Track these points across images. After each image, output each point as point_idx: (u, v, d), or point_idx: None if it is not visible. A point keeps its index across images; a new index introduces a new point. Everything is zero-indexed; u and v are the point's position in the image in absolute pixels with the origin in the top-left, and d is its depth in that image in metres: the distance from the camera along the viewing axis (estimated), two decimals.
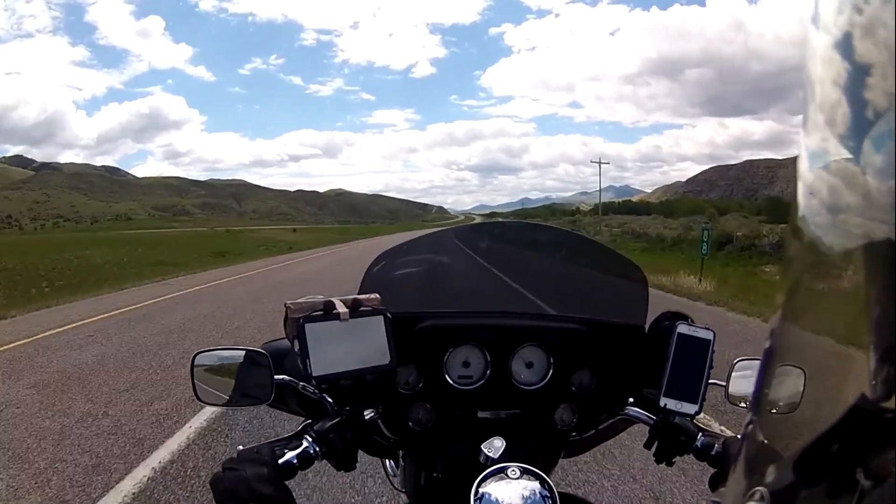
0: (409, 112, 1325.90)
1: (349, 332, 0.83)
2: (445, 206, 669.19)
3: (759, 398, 0.36)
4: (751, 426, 0.35)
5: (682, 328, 0.88)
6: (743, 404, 0.90)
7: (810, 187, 0.30)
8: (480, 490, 0.69)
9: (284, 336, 0.87)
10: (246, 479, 0.68)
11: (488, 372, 0.92)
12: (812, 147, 0.30)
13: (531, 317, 1.03)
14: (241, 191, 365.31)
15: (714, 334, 0.89)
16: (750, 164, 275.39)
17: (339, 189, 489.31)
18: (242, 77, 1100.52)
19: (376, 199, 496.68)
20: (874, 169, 0.26)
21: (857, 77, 0.27)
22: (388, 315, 0.85)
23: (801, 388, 0.32)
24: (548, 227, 1.88)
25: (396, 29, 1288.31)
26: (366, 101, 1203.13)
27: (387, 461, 1.17)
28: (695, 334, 0.88)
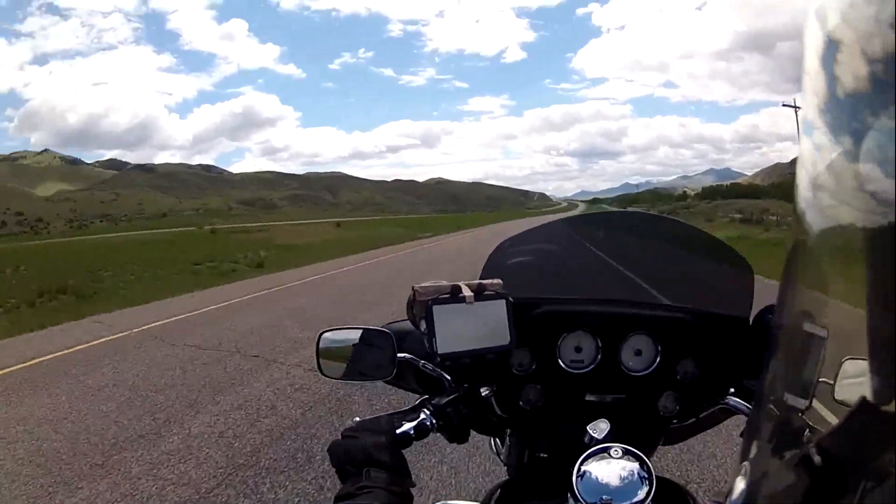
0: (504, 98, 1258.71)
1: (473, 314, 0.88)
2: (547, 193, 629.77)
3: (763, 388, 0.36)
4: (755, 406, 0.35)
5: None
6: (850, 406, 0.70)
7: (813, 185, 0.30)
8: (583, 468, 0.72)
9: (405, 318, 0.94)
10: (364, 446, 0.72)
11: (599, 357, 0.95)
12: (813, 145, 0.30)
13: (641, 305, 1.05)
14: (335, 182, 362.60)
15: (827, 331, 0.86)
16: None
17: (438, 178, 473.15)
18: (333, 72, 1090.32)
19: (476, 187, 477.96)
20: (875, 160, 0.25)
21: (860, 74, 0.26)
22: (510, 299, 0.90)
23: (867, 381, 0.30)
24: (656, 216, 1.92)
25: (482, 15, 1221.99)
26: (459, 88, 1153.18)
27: (493, 439, 1.22)
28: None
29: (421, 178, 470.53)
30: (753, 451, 0.34)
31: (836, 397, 0.37)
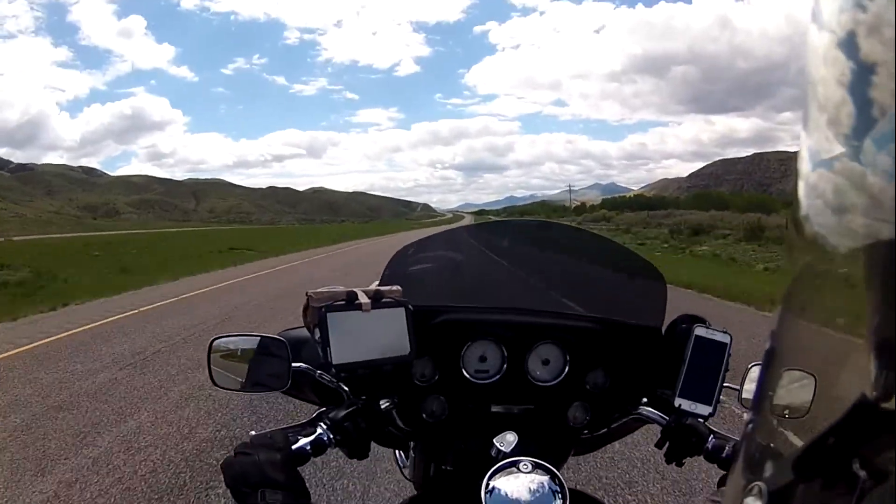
0: (393, 111, 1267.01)
1: (370, 322, 0.85)
2: (431, 205, 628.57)
3: (760, 399, 0.36)
4: (751, 426, 0.35)
5: (700, 331, 0.89)
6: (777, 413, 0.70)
7: (812, 187, 0.30)
8: (491, 483, 0.71)
9: (302, 325, 0.89)
10: (258, 464, 0.70)
11: (504, 367, 0.94)
12: (813, 147, 0.30)
13: (549, 314, 1.03)
14: (204, 188, 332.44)
15: (731, 338, 0.91)
16: (759, 158, 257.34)
17: (318, 187, 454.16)
18: (226, 77, 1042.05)
19: (356, 196, 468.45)
20: (877, 168, 0.25)
21: (861, 76, 0.26)
22: (410, 307, 0.87)
23: (811, 395, 0.32)
24: (563, 225, 1.85)
25: (380, 27, 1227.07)
26: (350, 100, 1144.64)
27: (397, 452, 1.19)
28: (712, 337, 0.90)
29: (301, 188, 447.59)
30: (767, 470, 0.32)
31: (742, 402, 0.32)
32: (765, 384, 0.35)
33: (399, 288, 0.90)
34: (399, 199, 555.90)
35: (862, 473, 0.27)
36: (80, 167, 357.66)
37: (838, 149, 0.28)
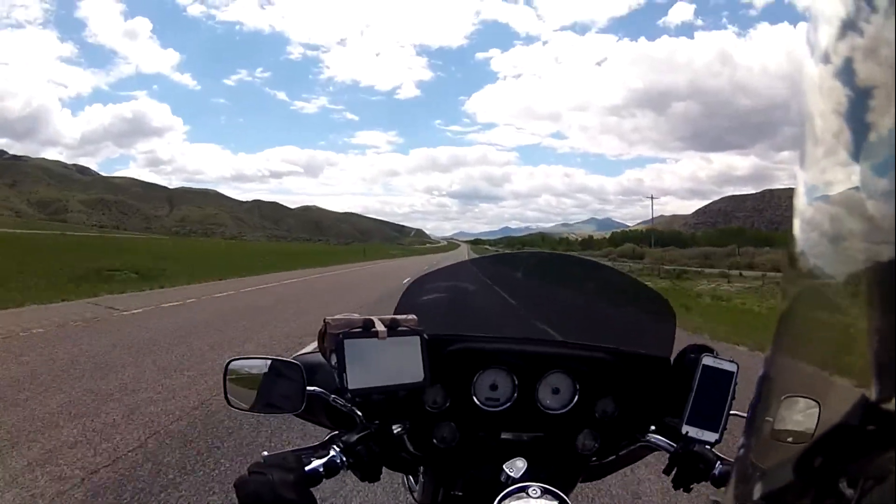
0: (392, 135, 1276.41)
1: (386, 349, 0.88)
2: (426, 231, 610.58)
3: (752, 423, 0.36)
4: (743, 449, 0.35)
5: (707, 360, 0.92)
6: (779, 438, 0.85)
7: (809, 221, 0.30)
8: None
9: (316, 350, 0.94)
10: (272, 484, 0.71)
11: (515, 395, 0.96)
12: (810, 181, 0.30)
13: (559, 344, 1.07)
14: (179, 195, 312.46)
15: (738, 367, 0.94)
16: (770, 195, 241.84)
17: (308, 204, 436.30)
18: (228, 88, 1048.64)
19: (347, 217, 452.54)
20: (877, 192, 0.26)
21: (860, 101, 0.27)
22: (424, 336, 0.90)
23: (815, 421, 0.32)
24: (576, 258, 2.03)
25: (383, 48, 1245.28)
26: (350, 120, 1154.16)
27: (407, 476, 1.24)
28: (719, 366, 0.93)
29: (293, 205, 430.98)
30: (757, 492, 0.33)
31: (774, 434, 0.36)
32: (758, 409, 0.35)
33: (414, 317, 0.93)
34: (392, 223, 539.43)
35: (862, 474, 0.27)
36: (75, 165, 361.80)
37: (835, 178, 0.28)
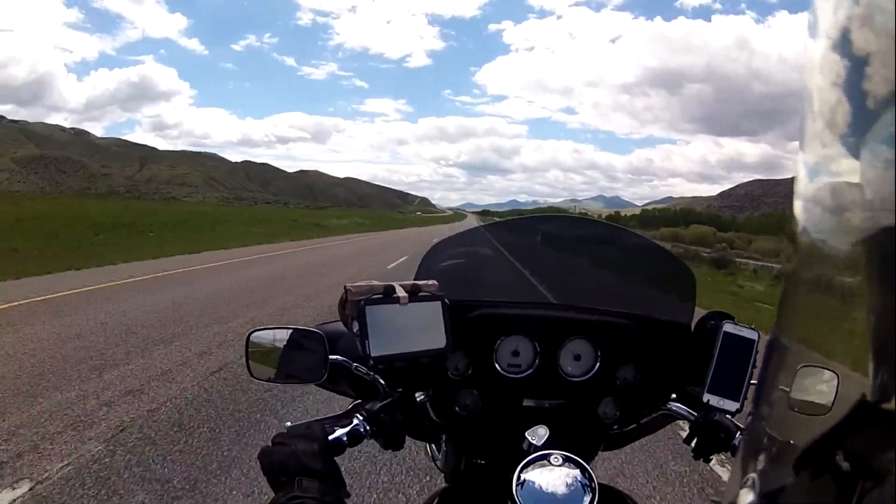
0: (401, 103, 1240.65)
1: (407, 315, 0.88)
2: (432, 201, 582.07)
3: (760, 392, 0.36)
4: (751, 418, 0.36)
5: (728, 327, 0.93)
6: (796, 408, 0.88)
7: (810, 199, 0.31)
8: (522, 476, 0.73)
9: (337, 319, 0.95)
10: (296, 454, 0.72)
11: (537, 362, 0.97)
12: (810, 159, 0.31)
13: (581, 310, 1.06)
14: (156, 155, 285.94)
15: (759, 334, 0.94)
16: None
17: (308, 169, 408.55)
18: (235, 53, 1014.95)
19: (346, 182, 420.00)
20: (877, 160, 0.26)
21: (857, 70, 0.27)
22: (446, 301, 0.91)
23: (834, 392, 0.32)
24: (597, 221, 1.77)
25: (395, 16, 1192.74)
26: (359, 87, 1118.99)
27: (430, 445, 1.25)
28: (740, 333, 0.93)
29: (292, 170, 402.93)
30: (761, 463, 0.33)
31: (791, 403, 0.39)
32: (769, 378, 0.35)
33: (435, 282, 0.93)
34: (395, 190, 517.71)
35: (862, 473, 0.27)
36: (73, 129, 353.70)
37: (835, 152, 0.29)
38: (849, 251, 0.29)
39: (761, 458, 0.33)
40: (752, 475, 0.32)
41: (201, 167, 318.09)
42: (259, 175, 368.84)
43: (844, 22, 0.28)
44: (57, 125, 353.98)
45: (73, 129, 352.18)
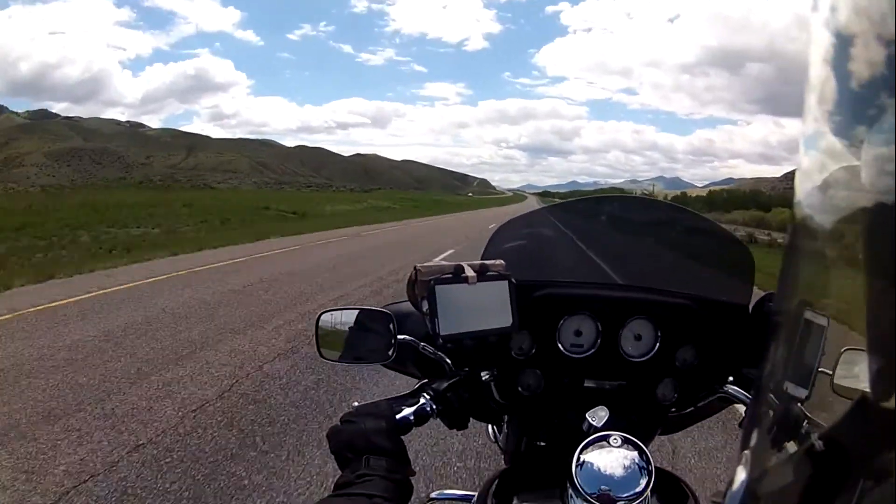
0: (461, 86, 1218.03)
1: (476, 294, 0.89)
2: (493, 182, 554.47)
3: (762, 385, 0.36)
4: (756, 393, 0.36)
5: None
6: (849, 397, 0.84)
7: (809, 172, 0.31)
8: (582, 457, 0.74)
9: (404, 300, 0.96)
10: (364, 432, 0.74)
11: (599, 342, 0.98)
12: (810, 133, 0.31)
13: (642, 290, 1.07)
14: (198, 142, 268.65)
15: (828, 319, 0.96)
16: None
17: (365, 153, 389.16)
18: (291, 43, 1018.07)
19: (404, 164, 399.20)
20: (879, 136, 0.25)
21: (858, 52, 0.26)
22: (513, 280, 0.92)
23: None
24: (653, 201, 1.91)
25: (450, 1, 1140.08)
26: (417, 72, 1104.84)
27: (491, 427, 1.26)
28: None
29: (348, 154, 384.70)
30: (754, 440, 0.34)
31: (835, 388, 0.38)
32: (764, 364, 0.36)
33: (502, 262, 0.94)
34: (454, 172, 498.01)
35: (862, 474, 0.27)
36: (128, 122, 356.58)
37: (838, 128, 0.29)
38: (846, 226, 0.28)
39: (755, 435, 0.34)
40: (746, 452, 0.33)
41: (252, 153, 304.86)
42: (312, 159, 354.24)
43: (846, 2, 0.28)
44: (112, 119, 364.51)
45: (128, 122, 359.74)
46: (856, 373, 0.34)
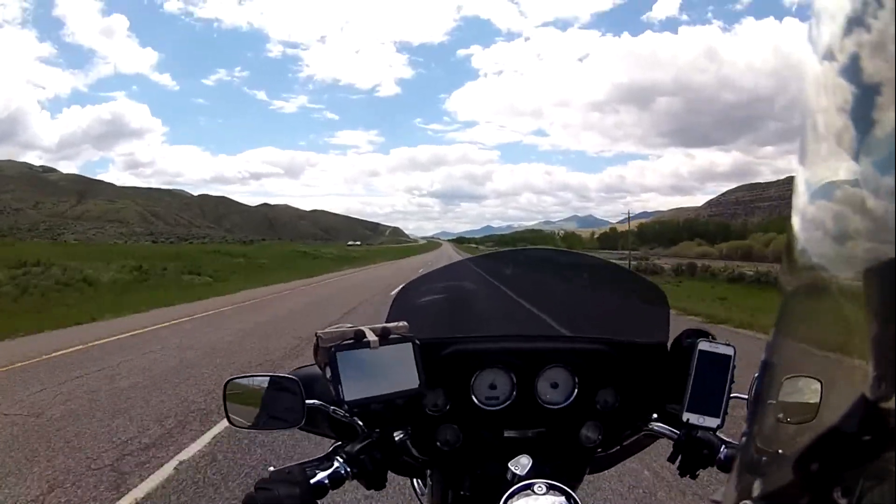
0: (373, 134, 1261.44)
1: (379, 358, 0.90)
2: (407, 231, 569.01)
3: (756, 410, 0.37)
4: (745, 438, 0.36)
5: (704, 345, 0.94)
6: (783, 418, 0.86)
7: (809, 217, 0.31)
8: None
9: (313, 363, 0.96)
10: (279, 499, 0.74)
11: (514, 393, 0.98)
12: (811, 177, 0.31)
13: (555, 339, 1.10)
14: (92, 189, 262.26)
15: (734, 350, 0.96)
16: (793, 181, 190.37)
17: (272, 203, 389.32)
18: (207, 88, 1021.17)
19: (312, 214, 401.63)
20: (880, 190, 0.26)
21: (864, 98, 0.27)
22: (417, 342, 0.93)
23: (818, 399, 0.33)
24: (566, 251, 2.04)
25: (363, 46, 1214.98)
26: (330, 120, 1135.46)
27: (415, 480, 1.26)
28: (716, 350, 0.95)
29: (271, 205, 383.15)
30: (756, 490, 0.33)
31: (779, 416, 0.37)
32: (763, 394, 0.36)
33: (405, 324, 0.95)
34: (365, 221, 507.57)
35: (861, 474, 0.28)
36: (41, 166, 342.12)
37: (837, 175, 0.29)
38: (847, 277, 0.29)
39: (758, 480, 0.34)
40: (748, 503, 0.33)
41: (150, 202, 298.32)
42: (214, 209, 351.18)
43: (852, 47, 0.28)
44: (25, 163, 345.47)
45: (41, 167, 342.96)
46: (798, 398, 0.36)
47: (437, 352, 0.98)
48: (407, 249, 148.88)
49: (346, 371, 0.87)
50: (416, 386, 0.92)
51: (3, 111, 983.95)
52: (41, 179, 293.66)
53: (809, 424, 0.33)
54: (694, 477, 0.95)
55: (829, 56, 0.29)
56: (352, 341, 0.89)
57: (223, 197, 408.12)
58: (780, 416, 0.36)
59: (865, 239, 0.27)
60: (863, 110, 0.27)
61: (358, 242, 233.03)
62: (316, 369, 0.96)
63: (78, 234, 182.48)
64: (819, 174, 0.31)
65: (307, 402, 0.90)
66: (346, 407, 0.89)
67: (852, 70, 0.28)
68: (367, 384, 0.89)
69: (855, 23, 0.28)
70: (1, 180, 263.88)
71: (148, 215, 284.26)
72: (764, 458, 0.35)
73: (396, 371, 0.91)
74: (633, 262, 43.22)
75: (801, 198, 0.31)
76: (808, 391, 0.32)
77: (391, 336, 0.92)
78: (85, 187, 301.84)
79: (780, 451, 0.35)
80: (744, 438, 0.36)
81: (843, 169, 0.29)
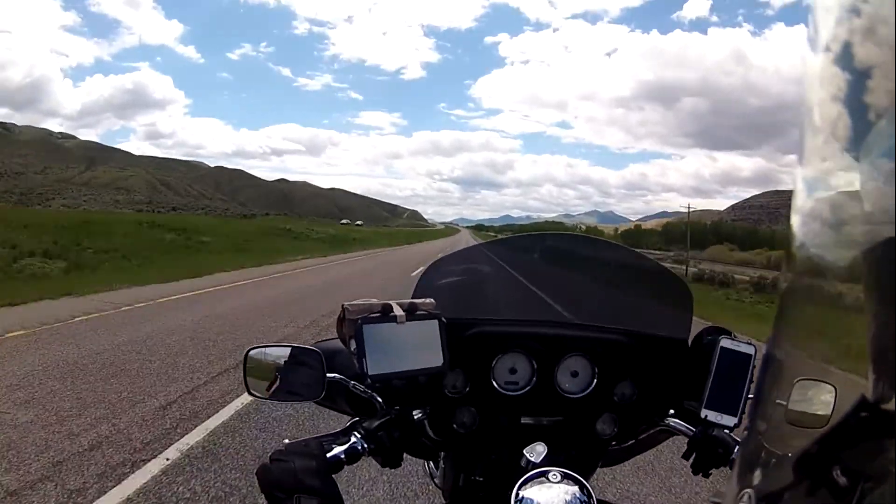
0: (396, 116, 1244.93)
1: (405, 334, 0.89)
2: (425, 215, 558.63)
3: (756, 408, 0.37)
4: (747, 432, 0.36)
5: (725, 342, 0.94)
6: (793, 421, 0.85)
7: (808, 213, 0.31)
8: (521, 493, 0.75)
9: (336, 336, 0.96)
10: (294, 471, 0.73)
11: (534, 379, 0.98)
12: (809, 172, 0.31)
13: (578, 327, 1.09)
14: (98, 153, 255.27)
15: (756, 349, 0.95)
16: None
17: (289, 179, 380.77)
18: (231, 62, 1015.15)
19: (330, 193, 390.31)
20: (876, 174, 0.26)
21: (859, 83, 0.27)
22: (443, 319, 0.93)
23: (832, 404, 0.34)
24: (593, 238, 1.95)
25: (391, 27, 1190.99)
26: (353, 100, 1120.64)
27: (428, 462, 1.28)
28: (737, 349, 0.94)
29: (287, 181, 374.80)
30: (757, 477, 0.33)
31: (789, 418, 0.38)
32: (766, 392, 0.35)
33: (432, 300, 0.95)
34: (383, 203, 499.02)
35: (862, 474, 0.28)
36: (60, 133, 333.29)
37: (835, 165, 0.29)
38: (848, 264, 0.29)
39: (758, 471, 0.34)
40: (749, 491, 0.33)
41: (162, 171, 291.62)
42: (229, 182, 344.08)
43: (846, 34, 0.28)
44: (44, 129, 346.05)
45: (59, 133, 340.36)
46: (810, 401, 0.37)
47: (461, 332, 0.97)
48: (422, 234, 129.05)
49: (371, 344, 0.86)
50: (440, 364, 0.90)
51: (26, 79, 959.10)
52: (57, 145, 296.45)
53: (818, 430, 0.34)
54: (707, 475, 0.94)
55: (825, 48, 0.29)
56: (379, 315, 0.88)
57: (239, 170, 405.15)
58: (792, 418, 0.36)
59: (863, 230, 0.27)
60: (859, 97, 0.27)
61: (359, 222, 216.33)
62: (337, 343, 0.95)
63: (69, 200, 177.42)
64: (817, 167, 0.31)
65: (328, 375, 0.89)
66: (368, 381, 0.88)
67: (847, 57, 0.28)
68: (391, 359, 0.87)
69: (848, 9, 0.28)
70: (17, 145, 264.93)
71: (158, 184, 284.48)
72: (765, 456, 0.35)
73: (421, 348, 0.90)
74: (687, 269, 39.71)
75: (800, 196, 0.31)
76: (822, 397, 0.34)
77: (418, 312, 0.91)
78: (97, 154, 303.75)
79: (781, 449, 0.34)
80: (745, 433, 0.37)
81: (840, 160, 0.29)
